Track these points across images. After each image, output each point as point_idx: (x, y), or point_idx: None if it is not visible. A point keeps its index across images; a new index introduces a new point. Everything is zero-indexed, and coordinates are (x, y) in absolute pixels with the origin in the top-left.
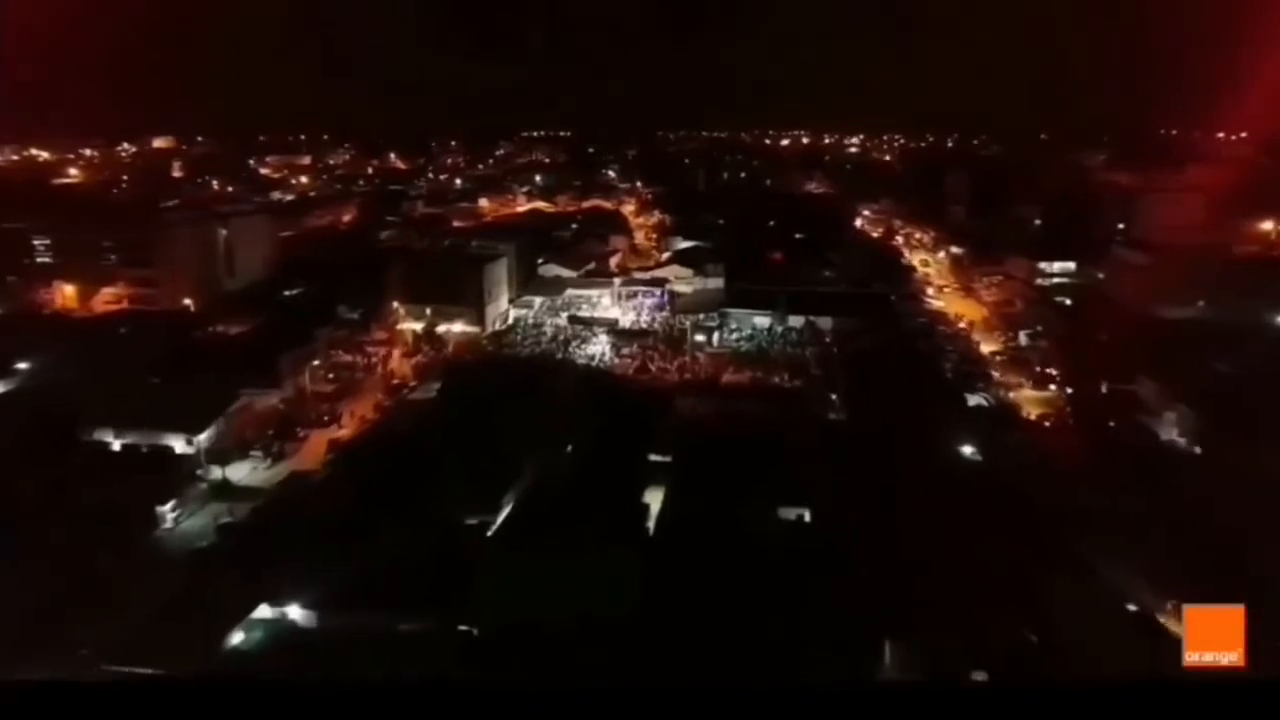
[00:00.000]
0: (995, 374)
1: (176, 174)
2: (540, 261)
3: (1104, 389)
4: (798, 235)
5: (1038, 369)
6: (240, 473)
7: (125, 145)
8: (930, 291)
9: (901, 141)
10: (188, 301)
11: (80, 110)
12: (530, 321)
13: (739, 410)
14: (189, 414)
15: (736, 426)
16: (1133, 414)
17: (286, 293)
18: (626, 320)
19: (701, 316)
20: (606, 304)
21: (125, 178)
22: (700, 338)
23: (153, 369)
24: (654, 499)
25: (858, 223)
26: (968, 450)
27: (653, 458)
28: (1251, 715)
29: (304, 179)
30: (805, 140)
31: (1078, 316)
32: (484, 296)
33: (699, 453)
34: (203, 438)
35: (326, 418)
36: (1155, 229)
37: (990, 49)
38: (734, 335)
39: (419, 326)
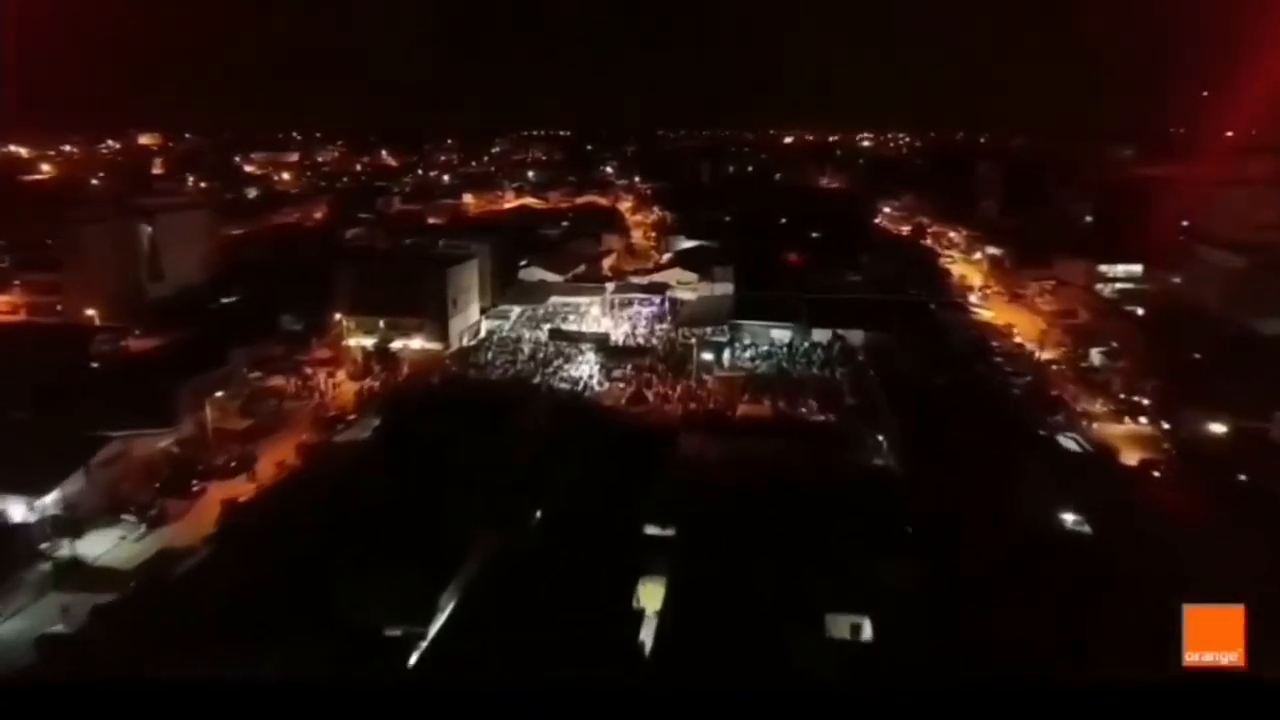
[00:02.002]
0: (1071, 403)
1: (157, 171)
2: (522, 264)
3: (1219, 424)
4: (814, 234)
5: (1122, 396)
6: (99, 547)
7: (110, 142)
8: (974, 299)
9: (907, 140)
10: (92, 312)
11: (70, 106)
12: (505, 335)
13: (760, 457)
14: (37, 466)
15: (759, 483)
16: (1267, 459)
17: (224, 300)
18: (619, 334)
19: (708, 330)
20: (596, 314)
21: (98, 175)
22: (707, 356)
23: (19, 401)
24: (651, 597)
25: (879, 220)
26: (1070, 517)
27: (650, 531)
28: (1251, 715)
29: (286, 175)
30: (809, 138)
31: (1159, 330)
32: (447, 306)
33: (712, 526)
34: (50, 500)
35: (234, 464)
36: (1246, 226)
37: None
38: (747, 353)
39: (370, 342)
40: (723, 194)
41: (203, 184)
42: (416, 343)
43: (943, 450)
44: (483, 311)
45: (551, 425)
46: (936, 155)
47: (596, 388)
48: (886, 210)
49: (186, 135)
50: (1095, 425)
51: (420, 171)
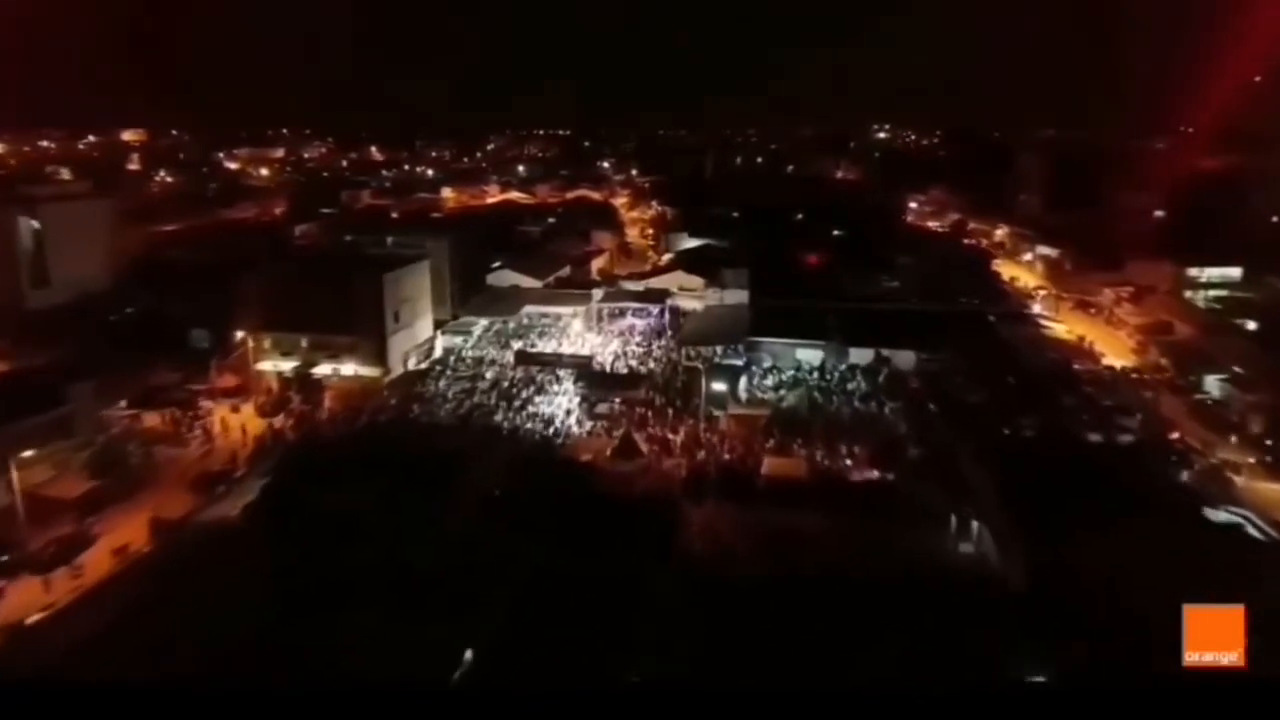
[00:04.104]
0: (1203, 452)
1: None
2: (495, 266)
3: None
4: (837, 232)
5: (1269, 443)
6: None
7: (91, 137)
8: (1037, 308)
9: (912, 137)
10: None
11: (60, 102)
12: (464, 356)
13: (800, 545)
14: None
15: (802, 590)
16: None
17: (129, 310)
18: (607, 354)
19: (719, 350)
20: (579, 328)
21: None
22: (719, 386)
23: None
24: None
25: (909, 216)
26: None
27: (640, 680)
28: (1251, 715)
29: (265, 171)
30: (807, 134)
31: None
32: (385, 320)
33: (734, 673)
34: None
35: (53, 552)
36: None
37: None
38: (769, 380)
39: (289, 366)
40: (729, 187)
41: (169, 179)
42: (349, 367)
43: (1060, 532)
44: (439, 326)
45: (507, 495)
46: (965, 146)
47: (575, 428)
48: (913, 205)
49: (173, 131)
50: (1242, 482)
51: (407, 167)
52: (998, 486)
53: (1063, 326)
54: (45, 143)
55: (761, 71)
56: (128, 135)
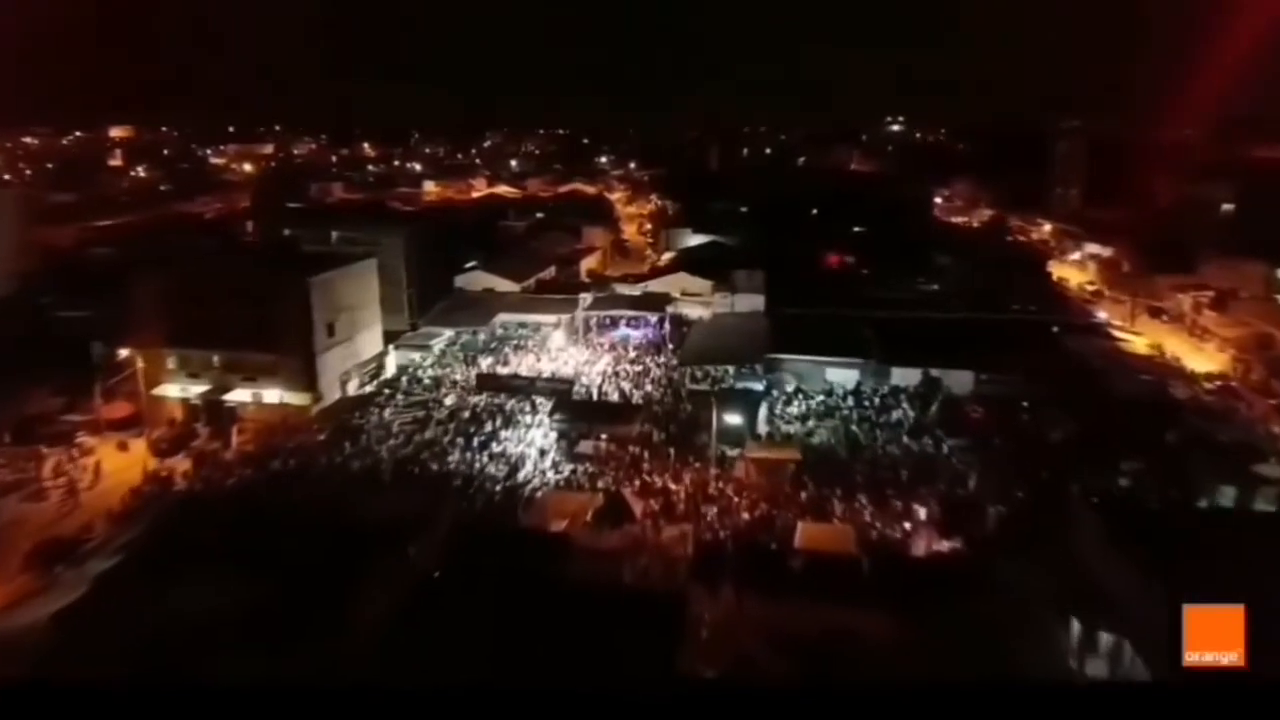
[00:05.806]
0: None
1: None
2: (468, 266)
3: None
4: (859, 229)
5: None
6: None
7: (77, 133)
8: (1102, 315)
9: (920, 135)
10: None
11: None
12: (419, 378)
13: (862, 665)
14: None
15: None
16: None
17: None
18: (594, 374)
19: (731, 371)
20: (561, 342)
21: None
22: (733, 419)
23: None
24: None
25: (937, 211)
26: None
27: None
28: (1251, 715)
29: (248, 166)
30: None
31: None
32: (315, 333)
33: None
34: None
35: None
36: None
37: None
38: (795, 409)
39: (197, 391)
40: (736, 180)
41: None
42: (272, 392)
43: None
44: (392, 341)
45: (448, 585)
46: (1000, 134)
47: (551, 473)
48: (938, 200)
49: (163, 128)
50: None
51: (397, 163)
52: (1122, 570)
53: (1142, 339)
54: (29, 139)
55: (766, 69)
56: (117, 132)
